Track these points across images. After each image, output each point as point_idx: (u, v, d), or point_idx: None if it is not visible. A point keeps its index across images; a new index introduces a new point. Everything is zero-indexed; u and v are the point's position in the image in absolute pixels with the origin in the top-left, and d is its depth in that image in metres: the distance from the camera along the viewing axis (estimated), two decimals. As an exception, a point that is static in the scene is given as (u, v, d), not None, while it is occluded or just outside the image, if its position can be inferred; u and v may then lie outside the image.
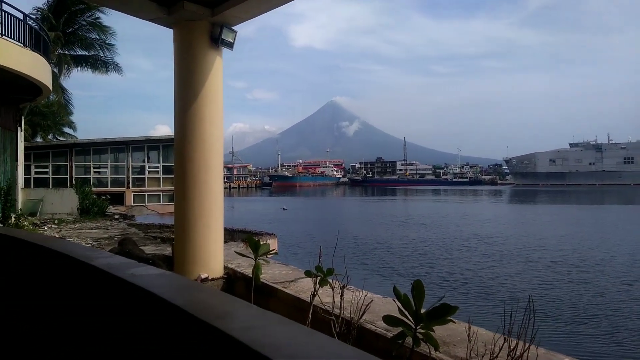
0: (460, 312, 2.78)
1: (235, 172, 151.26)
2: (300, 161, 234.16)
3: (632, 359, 7.94)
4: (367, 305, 3.61)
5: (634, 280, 13.86)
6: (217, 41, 7.02)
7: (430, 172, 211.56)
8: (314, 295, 3.81)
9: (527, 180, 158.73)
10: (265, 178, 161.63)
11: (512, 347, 2.65)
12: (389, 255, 18.39)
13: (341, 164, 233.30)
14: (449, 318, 2.88)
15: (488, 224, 30.81)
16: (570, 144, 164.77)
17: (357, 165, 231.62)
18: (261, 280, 5.44)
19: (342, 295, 3.64)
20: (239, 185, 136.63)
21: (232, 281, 6.97)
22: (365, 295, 3.86)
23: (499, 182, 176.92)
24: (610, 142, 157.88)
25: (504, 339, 2.69)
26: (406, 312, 2.99)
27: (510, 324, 2.67)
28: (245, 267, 6.84)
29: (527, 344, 2.63)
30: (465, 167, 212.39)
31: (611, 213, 43.68)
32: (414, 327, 2.94)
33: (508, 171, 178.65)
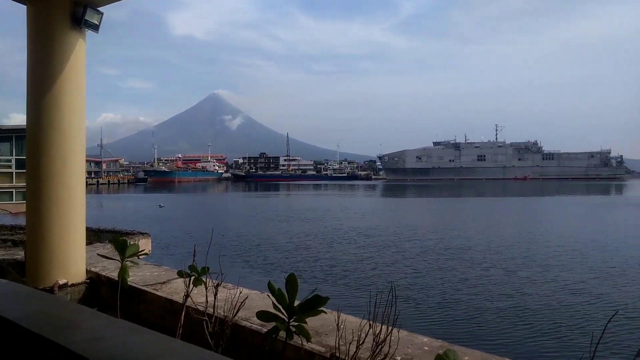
0: (334, 302, 2.88)
1: (104, 166, 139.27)
2: (180, 155, 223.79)
3: (488, 339, 8.84)
4: (242, 303, 3.57)
5: (490, 266, 15.64)
6: (80, 22, 6.35)
7: (312, 167, 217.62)
8: (186, 296, 3.66)
9: (398, 175, 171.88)
10: (139, 173, 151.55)
11: (376, 332, 2.83)
12: (272, 251, 18.49)
13: (223, 159, 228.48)
14: (320, 309, 2.98)
15: (365, 217, 32.67)
16: (434, 143, 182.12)
17: (240, 161, 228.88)
18: (129, 283, 5.08)
19: (216, 294, 3.55)
20: (108, 180, 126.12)
21: (97, 286, 6.40)
22: (240, 292, 3.82)
23: (374, 177, 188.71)
24: (467, 141, 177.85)
25: (370, 324, 2.87)
26: (280, 307, 3.02)
27: (375, 310, 2.84)
28: (112, 270, 6.32)
29: (390, 328, 2.82)
30: (343, 162, 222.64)
31: (467, 204, 49.29)
32: (287, 320, 2.98)
33: (381, 167, 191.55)
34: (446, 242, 20.86)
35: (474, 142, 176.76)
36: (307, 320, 3.09)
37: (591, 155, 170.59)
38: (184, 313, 3.65)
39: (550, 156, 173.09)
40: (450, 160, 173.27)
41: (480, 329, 9.19)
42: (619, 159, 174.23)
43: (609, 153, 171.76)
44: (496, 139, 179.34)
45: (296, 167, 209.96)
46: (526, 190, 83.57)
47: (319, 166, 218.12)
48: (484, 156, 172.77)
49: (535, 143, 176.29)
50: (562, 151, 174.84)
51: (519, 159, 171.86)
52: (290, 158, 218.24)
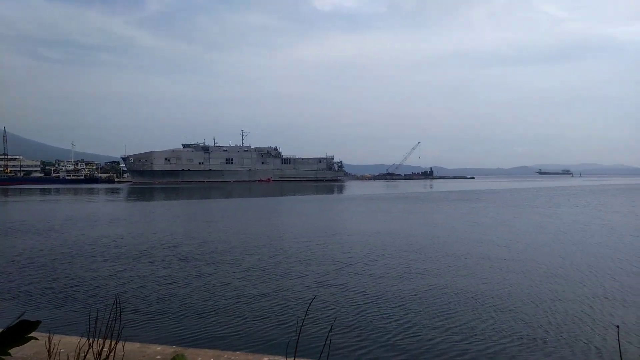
0: (57, 325, 2.55)
1: None
2: None
3: (229, 338, 9.01)
4: None
5: (251, 267, 15.79)
6: None
7: (39, 168, 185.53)
8: None
9: (145, 178, 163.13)
10: None
11: (99, 349, 2.65)
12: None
13: None
14: (29, 336, 2.61)
15: (113, 225, 29.67)
16: (183, 145, 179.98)
17: None
18: None
19: None
20: None
21: None
22: None
23: (117, 180, 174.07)
24: (216, 144, 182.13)
25: (89, 343, 2.66)
26: (-29, 341, 2.51)
27: (97, 327, 2.66)
28: None
29: (114, 343, 2.68)
30: (80, 163, 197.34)
31: (219, 206, 50.53)
32: (-18, 356, 2.50)
33: (126, 169, 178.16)
34: (204, 246, 20.37)
35: (223, 146, 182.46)
36: (13, 350, 2.66)
37: (319, 160, 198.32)
38: None
39: (288, 161, 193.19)
40: (200, 163, 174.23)
41: (224, 329, 9.44)
42: (339, 164, 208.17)
43: (333, 159, 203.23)
44: (242, 143, 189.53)
45: (17, 168, 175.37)
46: (270, 191, 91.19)
47: (48, 167, 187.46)
48: (232, 159, 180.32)
49: (276, 148, 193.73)
50: (297, 156, 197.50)
51: (263, 163, 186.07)
52: (9, 157, 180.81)
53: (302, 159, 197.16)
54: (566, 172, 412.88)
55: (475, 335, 9.10)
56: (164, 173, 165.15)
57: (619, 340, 8.39)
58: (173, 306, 11.12)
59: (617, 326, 9.10)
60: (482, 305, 11.16)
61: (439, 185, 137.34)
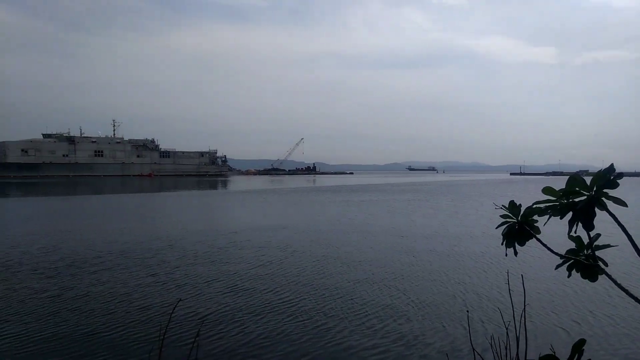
0: None
1: None
2: None
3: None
4: None
5: (151, 273, 14.29)
6: None
7: None
8: None
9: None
10: None
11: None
12: None
13: None
14: None
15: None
16: (43, 135, 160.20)
17: None
18: None
19: None
20: None
21: None
22: None
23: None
24: (83, 135, 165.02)
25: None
26: None
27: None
28: None
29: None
30: None
31: (88, 202, 45.42)
32: None
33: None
34: (86, 250, 17.84)
35: (91, 137, 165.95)
36: None
37: (201, 154, 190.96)
38: None
39: (166, 154, 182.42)
40: (64, 155, 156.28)
41: (87, 340, 8.15)
42: (223, 158, 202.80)
43: (216, 153, 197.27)
44: (114, 134, 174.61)
45: None
46: (147, 187, 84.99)
47: None
48: (102, 152, 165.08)
49: (153, 141, 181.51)
50: (177, 150, 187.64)
51: (138, 156, 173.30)
52: None
53: (183, 152, 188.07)
54: (432, 169, 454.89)
55: (343, 330, 8.88)
56: (20, 166, 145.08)
57: (469, 324, 8.77)
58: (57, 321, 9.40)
59: (467, 311, 9.59)
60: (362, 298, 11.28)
61: (321, 180, 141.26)
